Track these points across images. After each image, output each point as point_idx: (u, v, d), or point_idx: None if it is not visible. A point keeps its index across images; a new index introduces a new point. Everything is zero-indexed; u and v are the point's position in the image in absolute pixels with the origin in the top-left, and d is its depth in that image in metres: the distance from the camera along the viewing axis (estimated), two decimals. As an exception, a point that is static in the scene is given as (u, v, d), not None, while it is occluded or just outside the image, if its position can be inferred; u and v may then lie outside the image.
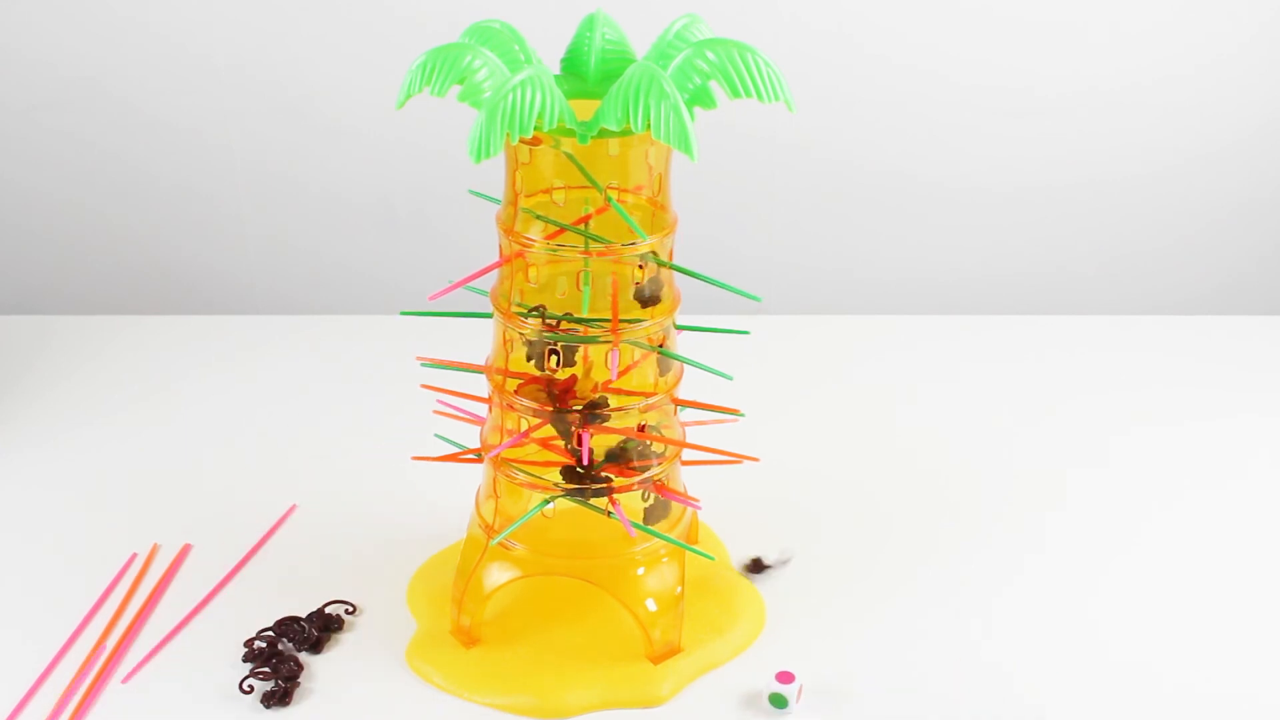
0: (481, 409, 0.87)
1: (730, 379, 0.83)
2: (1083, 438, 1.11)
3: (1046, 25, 1.34)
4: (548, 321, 0.76)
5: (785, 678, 0.80)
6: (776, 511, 0.99)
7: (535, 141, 0.74)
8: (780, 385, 1.18)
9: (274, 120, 1.36)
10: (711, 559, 0.85)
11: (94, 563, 0.93)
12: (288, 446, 1.09)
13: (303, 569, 0.93)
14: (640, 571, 0.82)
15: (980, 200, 1.42)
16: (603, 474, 0.79)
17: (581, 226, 0.75)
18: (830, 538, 0.96)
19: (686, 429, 0.85)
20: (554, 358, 0.77)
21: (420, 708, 0.81)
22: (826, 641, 0.86)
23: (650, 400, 0.79)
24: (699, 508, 0.84)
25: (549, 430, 0.79)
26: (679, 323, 0.82)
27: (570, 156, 0.73)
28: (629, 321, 0.77)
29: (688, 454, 0.85)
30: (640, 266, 0.76)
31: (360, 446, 1.08)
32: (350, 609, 0.89)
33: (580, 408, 0.77)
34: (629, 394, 0.79)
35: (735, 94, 0.70)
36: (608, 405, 0.78)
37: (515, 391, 0.79)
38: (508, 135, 0.67)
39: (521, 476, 0.80)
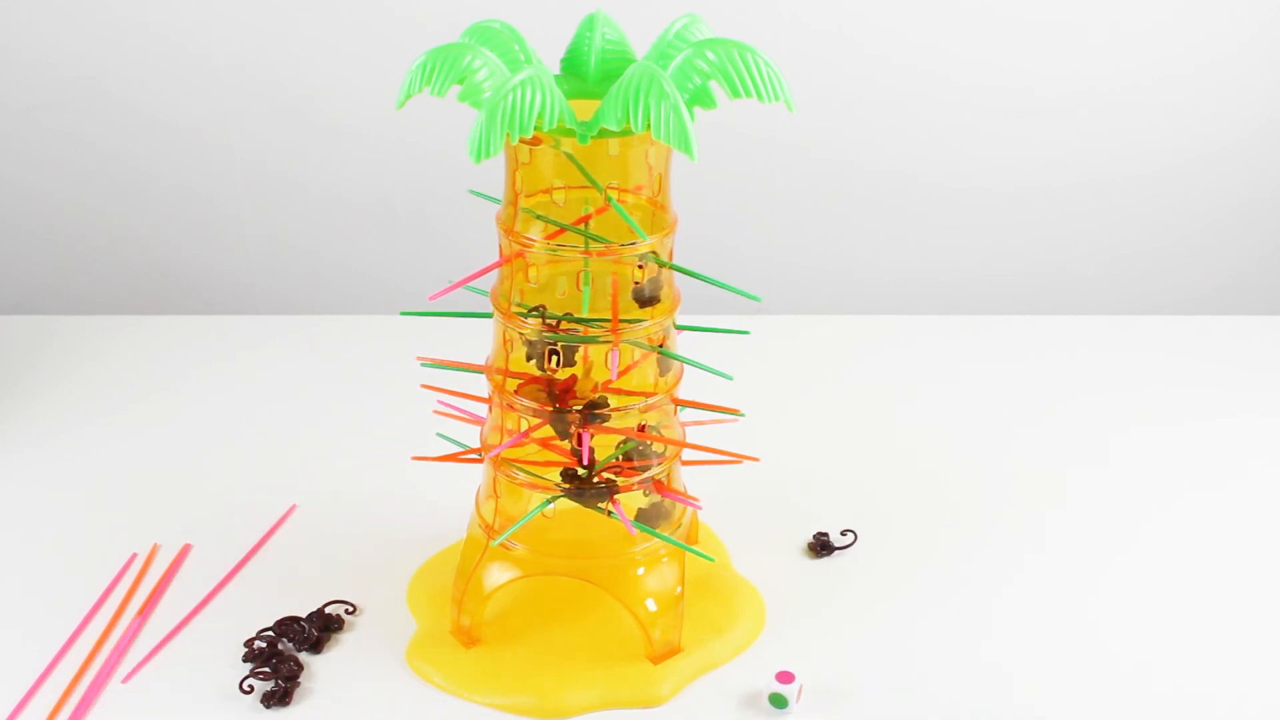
0: (481, 409, 0.87)
1: (730, 379, 0.83)
2: (1083, 438, 1.11)
3: (1046, 25, 1.34)
4: (548, 321, 0.76)
5: (785, 678, 0.80)
6: (776, 511, 0.99)
7: (535, 141, 0.74)
8: (780, 385, 1.18)
9: (274, 120, 1.36)
10: (711, 560, 0.85)
11: (94, 563, 0.93)
12: (288, 446, 1.09)
13: (303, 569, 0.93)
14: (640, 571, 0.82)
15: (980, 200, 1.42)
16: (603, 475, 0.79)
17: (581, 226, 0.75)
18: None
19: (686, 429, 0.85)
20: (554, 358, 0.77)
21: (420, 708, 0.81)
22: (826, 641, 0.86)
23: (650, 400, 0.79)
24: (699, 508, 0.84)
25: (549, 430, 0.79)
26: (679, 323, 0.82)
27: (570, 156, 0.73)
28: (629, 321, 0.77)
29: (688, 454, 0.85)
30: (640, 266, 0.76)
31: (360, 446, 1.08)
32: (350, 609, 0.89)
33: (580, 408, 0.77)
34: (629, 394, 0.79)
35: (735, 94, 0.70)
36: (608, 405, 0.78)
37: (515, 391, 0.79)
38: (508, 135, 0.67)
39: (522, 476, 0.80)
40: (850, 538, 0.96)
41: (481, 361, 0.84)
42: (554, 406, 0.77)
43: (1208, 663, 0.85)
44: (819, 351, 1.26)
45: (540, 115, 0.68)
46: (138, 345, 1.25)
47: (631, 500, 0.81)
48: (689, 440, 0.83)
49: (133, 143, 1.37)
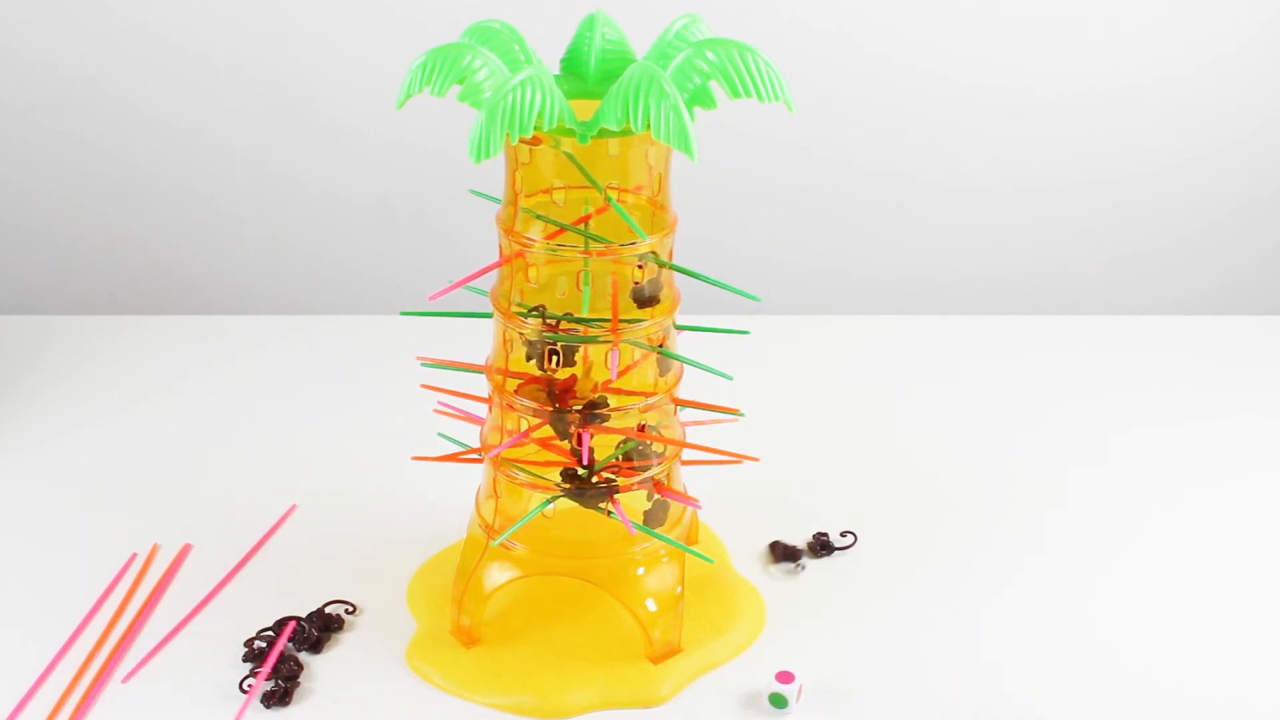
0: (481, 409, 0.87)
1: (730, 379, 0.83)
2: (1083, 438, 1.11)
3: (1046, 25, 1.34)
4: (548, 321, 0.76)
5: (785, 678, 0.80)
6: (776, 511, 0.99)
7: (535, 141, 0.74)
8: (780, 385, 1.18)
9: (274, 120, 1.36)
10: (711, 561, 0.85)
11: (94, 563, 0.93)
12: (288, 446, 1.09)
13: (303, 569, 0.93)
14: (640, 571, 0.82)
15: (980, 200, 1.42)
16: (603, 475, 0.79)
17: (581, 226, 0.75)
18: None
19: (686, 429, 0.85)
20: (554, 358, 0.77)
21: (420, 708, 0.81)
22: (826, 641, 0.86)
23: (650, 400, 0.79)
24: (699, 507, 0.84)
25: (549, 430, 0.79)
26: (679, 323, 0.82)
27: (570, 156, 0.73)
28: (629, 321, 0.77)
29: (688, 454, 0.85)
30: (640, 266, 0.76)
31: (360, 446, 1.08)
32: (350, 609, 0.89)
33: (580, 408, 0.77)
34: (629, 394, 0.79)
35: (735, 94, 0.70)
36: (608, 405, 0.78)
37: (515, 391, 0.79)
38: (508, 135, 0.67)
39: (522, 476, 0.80)
40: (850, 539, 0.96)
41: (481, 361, 0.84)
42: (554, 406, 0.77)
43: (1208, 662, 0.85)
44: (819, 351, 1.26)
45: (540, 115, 0.68)
46: (138, 345, 1.25)
47: (635, 502, 0.81)
48: (689, 440, 0.83)
49: (133, 143, 1.37)
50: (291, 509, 1.00)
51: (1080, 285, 1.46)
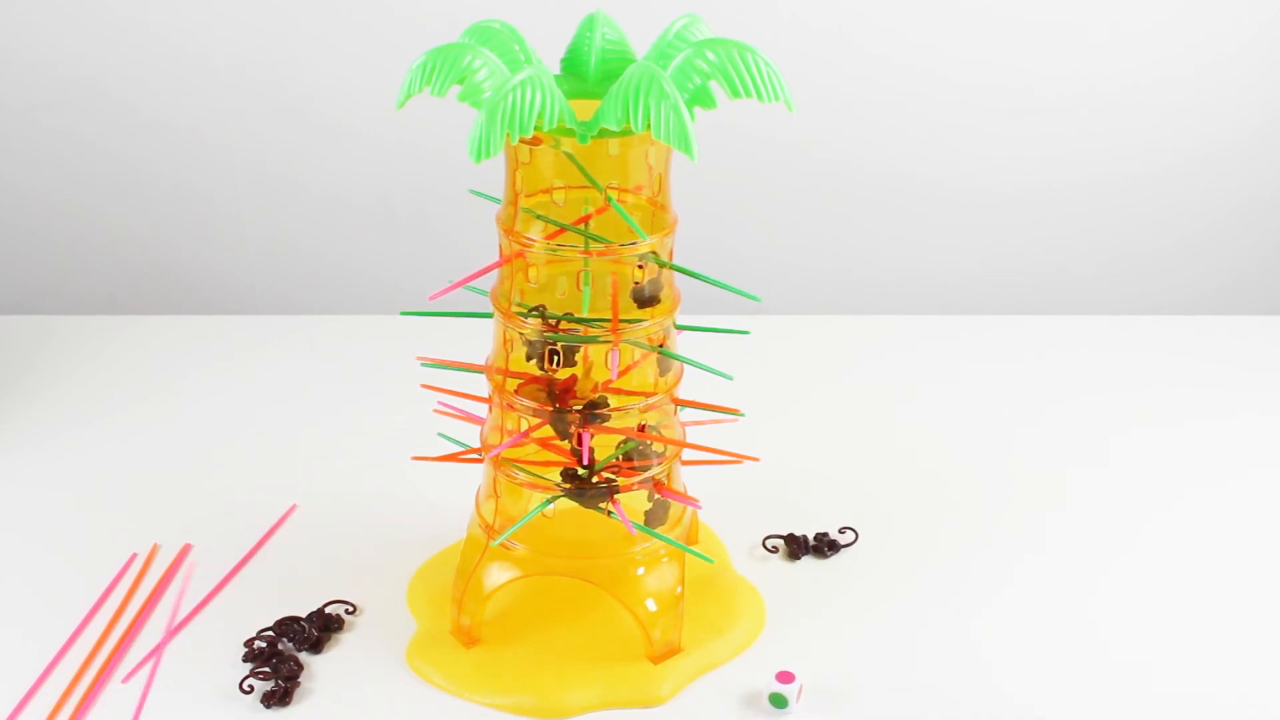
0: (481, 409, 0.87)
1: (730, 379, 0.83)
2: (1083, 438, 1.11)
3: (1046, 25, 1.34)
4: (548, 321, 0.76)
5: (785, 678, 0.80)
6: (776, 511, 0.99)
7: (535, 141, 0.74)
8: (780, 385, 1.18)
9: (274, 120, 1.36)
10: (711, 562, 0.85)
11: (94, 563, 0.93)
12: (288, 446, 1.09)
13: (303, 569, 0.93)
14: (640, 571, 0.82)
15: (980, 200, 1.42)
16: (603, 475, 0.79)
17: (581, 226, 0.75)
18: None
19: (686, 429, 0.85)
20: (554, 358, 0.77)
21: (420, 708, 0.81)
22: (826, 641, 0.86)
23: (650, 400, 0.79)
24: (699, 507, 0.84)
25: (549, 430, 0.79)
26: (679, 323, 0.82)
27: (570, 156, 0.73)
28: (629, 321, 0.77)
29: (688, 454, 0.85)
30: (640, 266, 0.76)
31: (360, 446, 1.08)
32: (350, 609, 0.89)
33: (580, 408, 0.77)
34: (629, 394, 0.79)
35: (735, 94, 0.70)
36: (608, 405, 0.78)
37: (515, 391, 0.79)
38: (508, 135, 0.67)
39: (522, 476, 0.80)
40: (851, 535, 0.96)
41: (481, 361, 0.84)
42: (554, 406, 0.77)
43: (1208, 662, 0.85)
44: (819, 351, 1.26)
45: (540, 115, 0.68)
46: (138, 345, 1.25)
47: (635, 502, 0.81)
48: (689, 440, 0.83)
49: (133, 143, 1.37)
50: (291, 509, 1.00)
51: (1080, 285, 1.46)
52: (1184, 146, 1.40)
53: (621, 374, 0.78)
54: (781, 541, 0.96)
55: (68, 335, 1.26)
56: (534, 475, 0.80)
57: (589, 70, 0.78)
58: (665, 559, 0.83)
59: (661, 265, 0.78)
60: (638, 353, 0.79)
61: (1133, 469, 1.07)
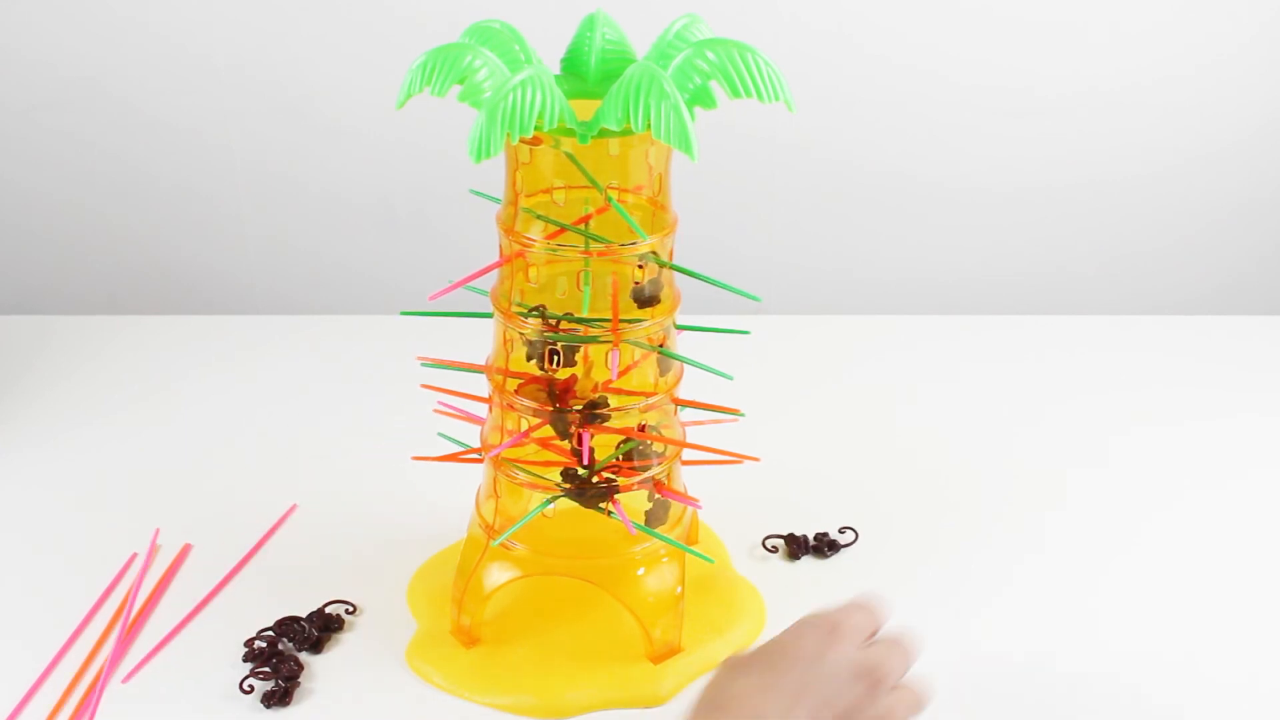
0: (481, 409, 0.87)
1: (730, 379, 0.83)
2: (1083, 438, 1.11)
3: (1046, 25, 1.34)
4: (548, 321, 0.76)
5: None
6: (776, 511, 0.99)
7: (535, 141, 0.74)
8: (780, 385, 1.18)
9: (274, 120, 1.36)
10: (711, 561, 0.85)
11: (94, 563, 0.93)
12: (288, 446, 1.09)
13: (303, 569, 0.93)
14: (640, 571, 0.82)
15: (980, 200, 1.42)
16: (603, 475, 0.79)
17: (581, 226, 0.75)
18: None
19: (686, 429, 0.85)
20: (554, 358, 0.77)
21: (420, 708, 0.81)
22: (826, 641, 0.86)
23: (650, 400, 0.79)
24: (699, 507, 0.84)
25: (549, 430, 0.79)
26: (679, 323, 0.82)
27: (570, 156, 0.73)
28: (629, 321, 0.77)
29: (688, 454, 0.85)
30: (640, 266, 0.76)
31: (360, 446, 1.08)
32: (350, 609, 0.89)
33: (580, 408, 0.77)
34: (629, 394, 0.79)
35: (735, 94, 0.70)
36: (608, 405, 0.78)
37: (515, 391, 0.79)
38: (508, 135, 0.67)
39: (522, 476, 0.80)
40: (851, 535, 0.96)
41: (481, 361, 0.84)
42: (554, 406, 0.77)
43: (1208, 662, 0.85)
44: (819, 351, 1.26)
45: (540, 115, 0.68)
46: (138, 345, 1.25)
47: (635, 502, 0.81)
48: (689, 440, 0.83)
49: (133, 143, 1.37)
50: (291, 509, 1.00)
51: (1080, 285, 1.46)
52: (1184, 146, 1.40)
53: (621, 374, 0.78)
54: (781, 541, 0.96)
55: (68, 335, 1.26)
56: (534, 475, 0.80)
57: (589, 70, 0.78)
58: (665, 559, 0.83)
59: (661, 265, 0.78)
60: (638, 353, 0.79)
61: (1133, 469, 1.07)
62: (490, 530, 0.82)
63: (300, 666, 0.82)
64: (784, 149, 1.38)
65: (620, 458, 0.79)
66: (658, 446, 0.81)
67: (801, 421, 1.13)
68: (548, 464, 0.80)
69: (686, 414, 0.89)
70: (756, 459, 0.87)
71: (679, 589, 0.83)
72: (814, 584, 0.92)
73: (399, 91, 0.73)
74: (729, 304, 0.91)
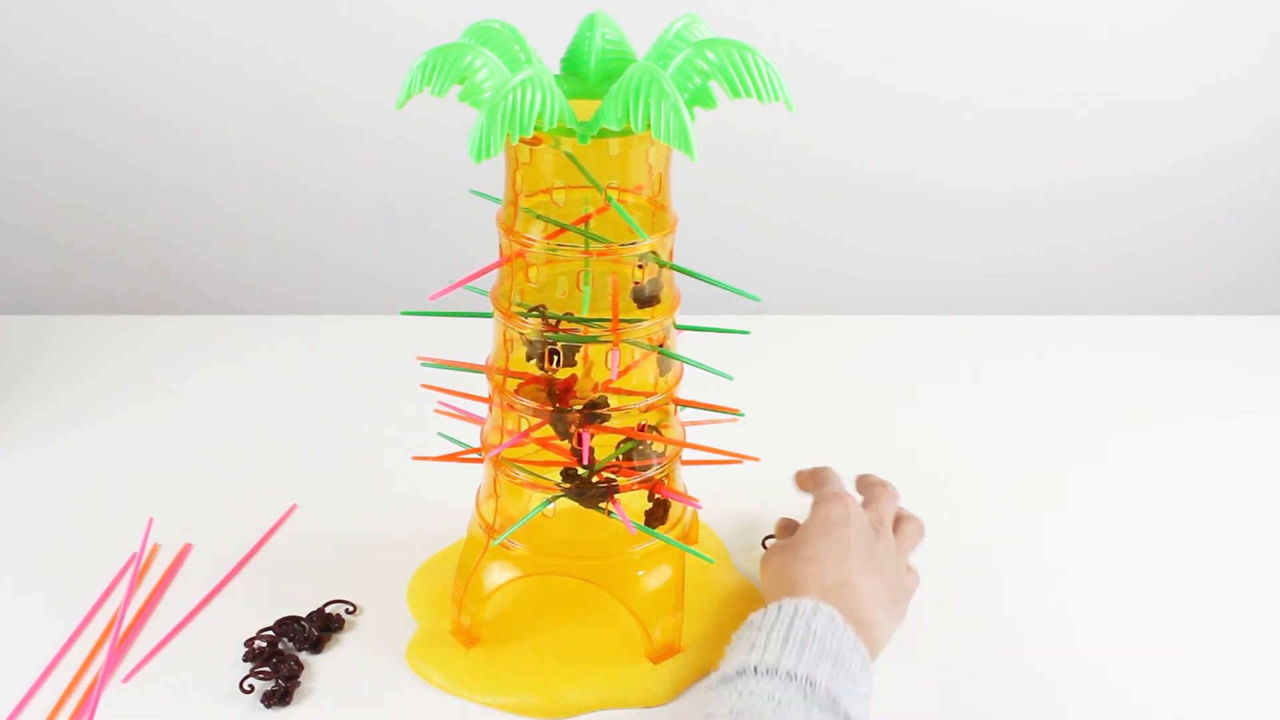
0: (481, 409, 0.87)
1: (730, 379, 0.83)
2: (1083, 438, 1.11)
3: (1046, 25, 1.34)
4: (548, 321, 0.76)
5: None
6: (777, 511, 0.99)
7: (535, 141, 0.74)
8: (780, 385, 1.18)
9: (274, 120, 1.36)
10: (711, 561, 0.85)
11: (94, 562, 0.93)
12: (288, 446, 1.09)
13: (303, 569, 0.93)
14: (640, 572, 0.82)
15: (980, 200, 1.42)
16: (603, 475, 0.79)
17: (581, 226, 0.75)
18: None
19: (687, 429, 0.85)
20: (554, 358, 0.77)
21: (420, 708, 0.81)
22: (826, 641, 0.86)
23: (650, 400, 0.79)
24: (699, 507, 0.84)
25: (549, 430, 0.79)
26: (679, 323, 0.82)
27: (570, 156, 0.73)
28: (629, 321, 0.77)
29: (688, 454, 0.85)
30: (640, 266, 0.76)
31: (360, 446, 1.08)
32: (350, 609, 0.89)
33: (580, 407, 0.77)
34: (629, 394, 0.79)
35: (735, 94, 0.70)
36: (608, 405, 0.78)
37: (515, 391, 0.79)
38: (508, 135, 0.67)
39: (522, 476, 0.80)
40: None
41: (481, 361, 0.84)
42: (554, 406, 0.77)
43: (1208, 662, 0.85)
44: (819, 351, 1.26)
45: (540, 115, 0.68)
46: (138, 345, 1.25)
47: (635, 502, 0.81)
48: (689, 440, 0.83)
49: (133, 143, 1.37)
50: (291, 509, 1.00)
51: (1080, 285, 1.46)
52: (1184, 146, 1.40)
53: (621, 374, 0.78)
54: None
55: (68, 335, 1.26)
56: (534, 475, 0.80)
57: (589, 70, 0.78)
58: (665, 559, 0.82)
59: (661, 265, 0.78)
60: (638, 353, 0.79)
61: (1133, 469, 1.07)
62: (490, 530, 0.82)
63: (300, 666, 0.83)
64: (784, 149, 1.38)
65: (620, 458, 0.79)
66: (658, 446, 0.81)
67: (801, 421, 1.13)
68: (548, 464, 0.80)
69: (686, 414, 0.89)
70: (756, 459, 0.87)
71: (679, 589, 0.83)
72: (814, 584, 0.92)
73: (399, 91, 0.73)
74: (729, 304, 0.91)
